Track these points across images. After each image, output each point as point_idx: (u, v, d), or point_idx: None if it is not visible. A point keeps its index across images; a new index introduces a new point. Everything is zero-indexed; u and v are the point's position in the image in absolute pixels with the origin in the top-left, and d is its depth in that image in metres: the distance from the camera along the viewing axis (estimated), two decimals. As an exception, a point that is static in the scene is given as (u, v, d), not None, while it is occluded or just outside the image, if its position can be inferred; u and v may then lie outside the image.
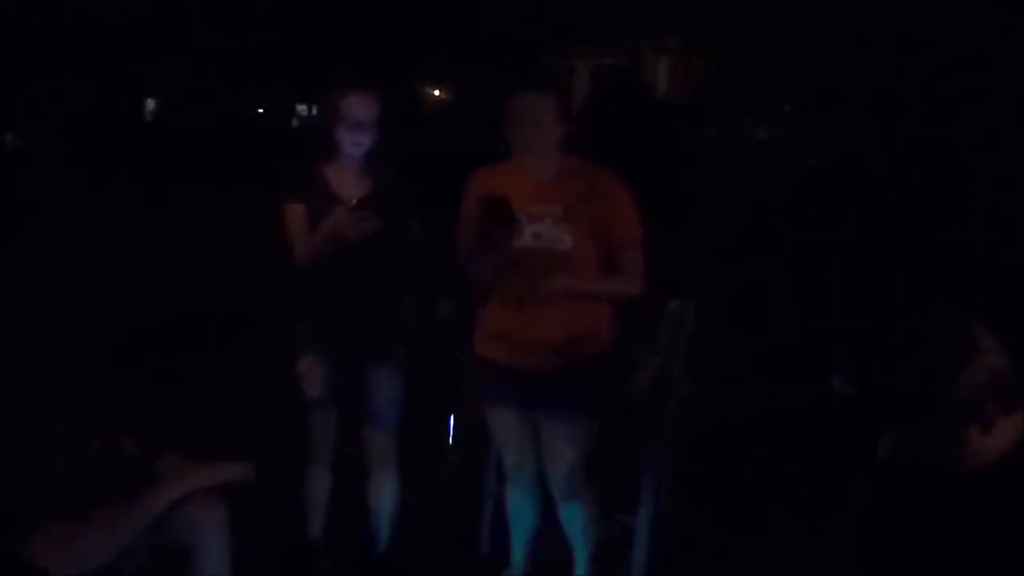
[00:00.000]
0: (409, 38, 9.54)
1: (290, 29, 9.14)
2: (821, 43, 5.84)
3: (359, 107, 2.86)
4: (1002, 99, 4.17)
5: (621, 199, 2.74)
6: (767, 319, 4.33)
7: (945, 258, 3.89)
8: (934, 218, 4.03)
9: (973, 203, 3.99)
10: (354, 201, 2.79)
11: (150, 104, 9.79)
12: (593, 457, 2.86)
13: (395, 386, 3.02)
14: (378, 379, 2.99)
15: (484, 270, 2.73)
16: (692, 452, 3.53)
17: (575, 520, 2.94)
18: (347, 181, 2.92)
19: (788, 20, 6.21)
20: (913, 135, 4.35)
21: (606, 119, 3.98)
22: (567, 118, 2.74)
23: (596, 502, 2.93)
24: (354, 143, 2.87)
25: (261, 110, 10.32)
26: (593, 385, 2.78)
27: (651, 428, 3.11)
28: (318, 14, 9.26)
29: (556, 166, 2.74)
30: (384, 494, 3.11)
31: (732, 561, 3.33)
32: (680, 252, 3.39)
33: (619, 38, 9.32)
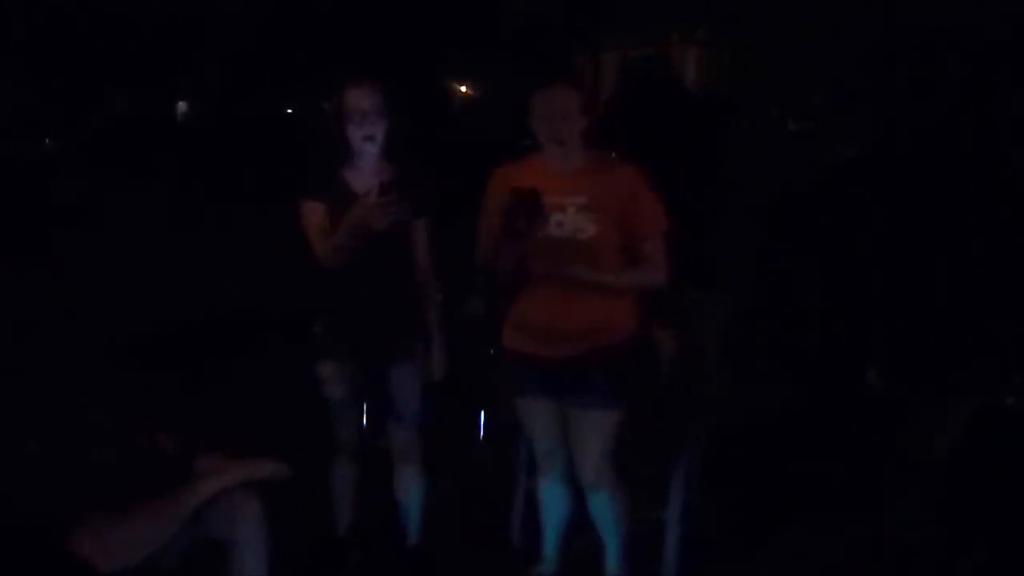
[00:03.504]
0: (432, 32, 9.55)
1: (316, 28, 9.17)
2: (852, 31, 5.78)
3: (359, 98, 2.85)
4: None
5: (644, 191, 2.77)
6: (800, 313, 4.31)
7: (983, 251, 3.84)
8: (970, 210, 3.98)
9: (1012, 197, 3.94)
10: (378, 187, 2.75)
11: (181, 106, 9.85)
12: (623, 448, 2.86)
13: (417, 383, 3.03)
14: (400, 377, 3.00)
15: (508, 261, 2.74)
16: (723, 446, 3.53)
17: (603, 511, 2.95)
18: (366, 179, 2.89)
19: (817, 8, 6.16)
20: (948, 125, 4.30)
21: (634, 111, 3.97)
22: (590, 111, 2.78)
23: (625, 493, 2.94)
24: (363, 137, 2.86)
25: (287, 110, 10.35)
26: (617, 375, 2.79)
27: (682, 422, 3.11)
28: (344, 12, 9.30)
29: (579, 159, 2.78)
30: (410, 488, 3.14)
31: (763, 555, 3.33)
32: (713, 245, 3.37)
33: (646, 29, 9.28)
